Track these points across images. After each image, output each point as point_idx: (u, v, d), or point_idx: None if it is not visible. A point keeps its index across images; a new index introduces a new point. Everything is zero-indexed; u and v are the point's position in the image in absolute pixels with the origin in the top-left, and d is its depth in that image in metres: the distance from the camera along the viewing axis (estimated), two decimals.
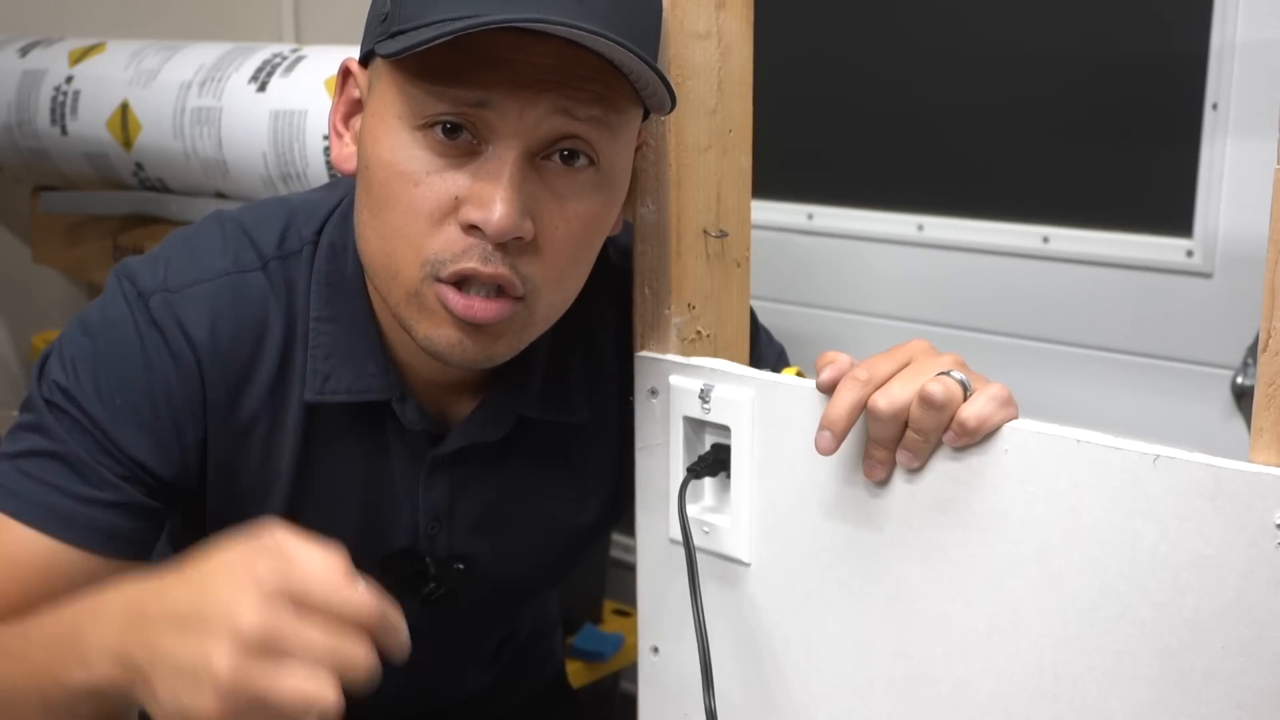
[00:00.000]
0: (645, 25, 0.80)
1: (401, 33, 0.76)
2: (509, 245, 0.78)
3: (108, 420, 0.84)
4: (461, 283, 0.79)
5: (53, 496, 0.83)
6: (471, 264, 0.77)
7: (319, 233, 0.90)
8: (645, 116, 0.86)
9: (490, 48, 0.75)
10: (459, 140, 0.77)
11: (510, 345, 0.82)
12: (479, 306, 0.79)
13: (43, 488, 0.83)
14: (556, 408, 0.94)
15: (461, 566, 0.96)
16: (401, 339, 0.87)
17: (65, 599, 0.77)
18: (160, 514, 0.88)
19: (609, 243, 0.96)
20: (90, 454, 0.83)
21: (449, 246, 0.78)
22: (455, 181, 0.78)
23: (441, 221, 0.78)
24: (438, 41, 0.72)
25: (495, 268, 0.78)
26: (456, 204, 0.78)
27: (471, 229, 0.77)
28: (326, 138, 1.39)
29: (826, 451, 0.79)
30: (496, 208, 0.76)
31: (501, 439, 0.93)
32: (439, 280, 0.78)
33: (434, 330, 0.80)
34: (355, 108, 0.86)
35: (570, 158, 0.79)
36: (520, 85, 0.75)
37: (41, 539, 0.82)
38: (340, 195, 0.93)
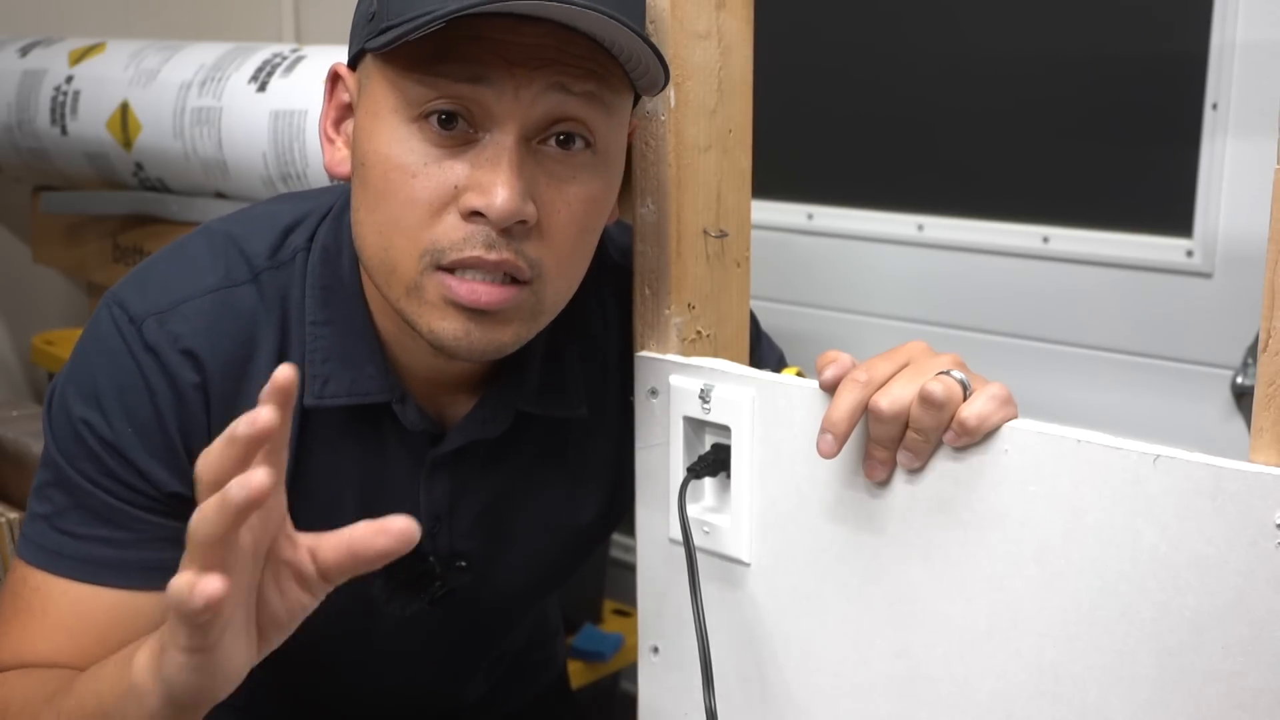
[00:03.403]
0: (631, 6, 0.80)
1: (391, 28, 0.76)
2: (513, 230, 0.77)
3: (124, 454, 0.84)
4: (461, 270, 0.78)
5: (97, 550, 0.85)
6: (475, 251, 0.77)
7: (312, 238, 0.90)
8: (635, 103, 0.86)
9: (481, 30, 0.75)
10: (455, 129, 0.77)
11: (518, 334, 0.82)
12: (483, 290, 0.78)
13: (85, 544, 0.85)
14: (554, 402, 0.94)
15: (464, 564, 0.96)
16: (400, 339, 0.87)
17: (140, 632, 0.81)
18: None
19: (609, 243, 0.96)
20: (118, 497, 0.85)
21: (448, 234, 0.77)
22: (454, 171, 0.77)
23: (441, 211, 0.78)
24: (432, 27, 0.72)
25: (500, 253, 0.77)
26: (456, 193, 0.77)
27: (473, 216, 0.77)
28: None
29: (829, 454, 0.79)
30: (499, 192, 0.75)
31: (501, 437, 0.93)
32: (439, 269, 0.78)
33: (438, 322, 0.79)
34: (345, 113, 0.86)
35: (567, 141, 0.79)
36: (514, 64, 0.76)
37: (100, 591, 0.85)
38: (332, 199, 0.92)
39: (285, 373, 0.62)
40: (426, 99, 0.77)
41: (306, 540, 0.67)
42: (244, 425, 0.60)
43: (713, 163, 0.91)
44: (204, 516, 0.60)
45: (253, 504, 0.59)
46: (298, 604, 0.67)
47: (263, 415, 0.60)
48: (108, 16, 2.06)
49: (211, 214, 1.55)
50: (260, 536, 0.65)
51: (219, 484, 0.60)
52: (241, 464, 0.61)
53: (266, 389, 0.62)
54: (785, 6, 1.76)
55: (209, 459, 0.62)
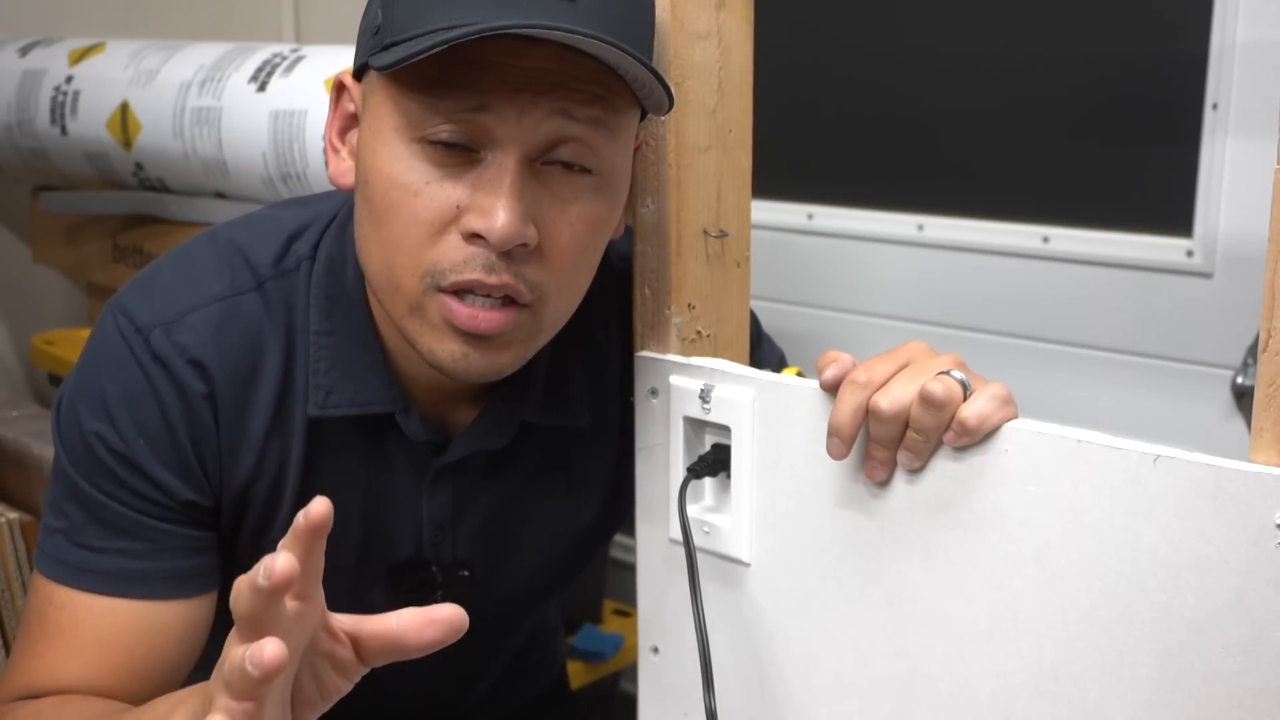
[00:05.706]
0: (638, 24, 0.80)
1: (395, 44, 0.75)
2: (513, 253, 0.77)
3: (136, 464, 0.84)
4: (463, 293, 0.78)
5: (117, 563, 0.85)
6: (475, 274, 0.77)
7: (316, 247, 0.90)
8: (643, 117, 0.86)
9: (485, 54, 0.74)
10: (458, 149, 0.77)
11: (518, 355, 0.82)
12: (483, 317, 0.78)
13: (105, 557, 0.85)
14: (558, 413, 0.94)
15: (466, 573, 0.96)
16: (403, 349, 0.87)
17: (168, 645, 0.85)
18: (216, 537, 0.90)
19: (610, 246, 0.96)
20: (133, 509, 0.85)
21: (449, 255, 0.77)
22: (455, 191, 0.77)
23: (442, 231, 0.78)
24: (432, 51, 0.72)
25: (500, 277, 0.77)
26: (458, 213, 0.77)
27: (474, 238, 0.77)
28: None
29: (839, 456, 0.79)
30: (499, 215, 0.75)
31: (504, 447, 0.93)
32: (440, 290, 0.78)
33: (438, 344, 0.80)
34: (350, 122, 0.86)
35: (570, 162, 0.79)
36: (517, 89, 0.75)
37: (125, 604, 0.85)
38: (336, 206, 0.92)
39: (318, 508, 0.58)
40: (428, 123, 0.76)
41: (346, 627, 0.64)
42: (262, 577, 0.55)
43: (713, 163, 0.91)
44: (239, 593, 0.57)
45: (278, 591, 0.56)
46: (334, 688, 0.66)
47: (279, 564, 0.55)
48: (108, 16, 2.06)
49: (211, 214, 1.55)
50: (299, 636, 0.61)
51: (252, 620, 0.57)
52: (273, 600, 0.57)
53: (296, 528, 0.58)
54: (785, 6, 1.76)
55: (240, 601, 0.57)
